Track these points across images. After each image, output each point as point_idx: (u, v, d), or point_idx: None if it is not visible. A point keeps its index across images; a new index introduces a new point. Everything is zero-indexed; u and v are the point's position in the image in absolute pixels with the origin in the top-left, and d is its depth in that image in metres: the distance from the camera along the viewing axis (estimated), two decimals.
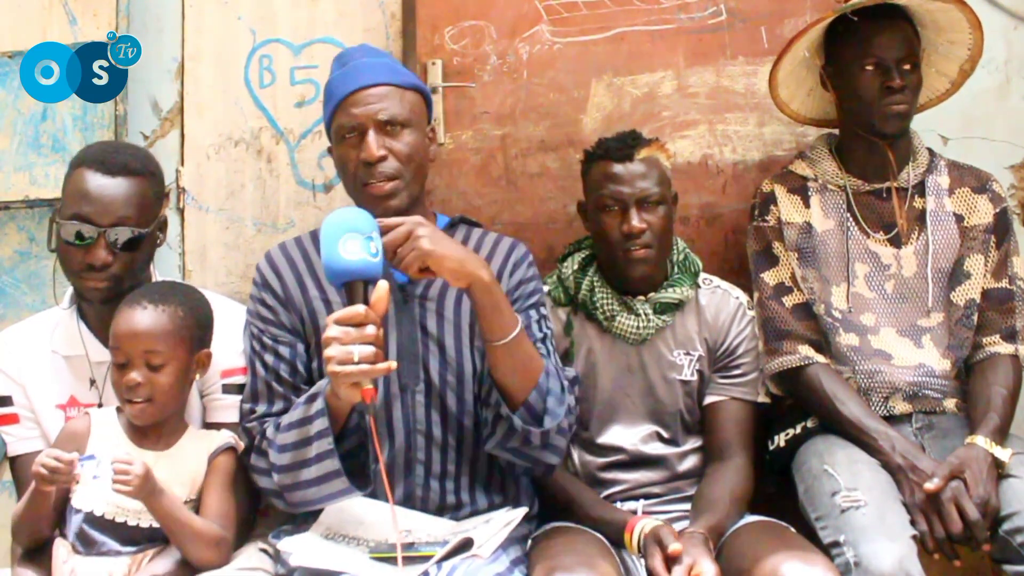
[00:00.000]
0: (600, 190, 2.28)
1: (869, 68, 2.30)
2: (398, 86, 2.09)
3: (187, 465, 2.01)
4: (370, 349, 1.75)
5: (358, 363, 1.74)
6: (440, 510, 2.06)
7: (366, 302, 1.78)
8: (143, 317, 1.97)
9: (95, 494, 1.94)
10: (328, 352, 1.76)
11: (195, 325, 2.03)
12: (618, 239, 2.25)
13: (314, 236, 2.19)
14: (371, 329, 1.76)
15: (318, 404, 1.89)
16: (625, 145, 2.28)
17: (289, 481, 1.94)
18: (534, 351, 1.99)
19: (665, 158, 2.32)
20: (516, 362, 1.95)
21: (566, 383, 2.03)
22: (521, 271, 2.17)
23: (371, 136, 2.03)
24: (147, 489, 1.87)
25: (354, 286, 1.78)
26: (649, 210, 2.25)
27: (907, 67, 2.30)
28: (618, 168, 2.26)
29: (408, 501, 2.04)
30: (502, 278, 2.13)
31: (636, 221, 2.23)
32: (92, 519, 1.94)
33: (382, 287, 1.80)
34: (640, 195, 2.24)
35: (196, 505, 2.00)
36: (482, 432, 2.07)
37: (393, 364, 1.78)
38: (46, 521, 1.95)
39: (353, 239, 1.77)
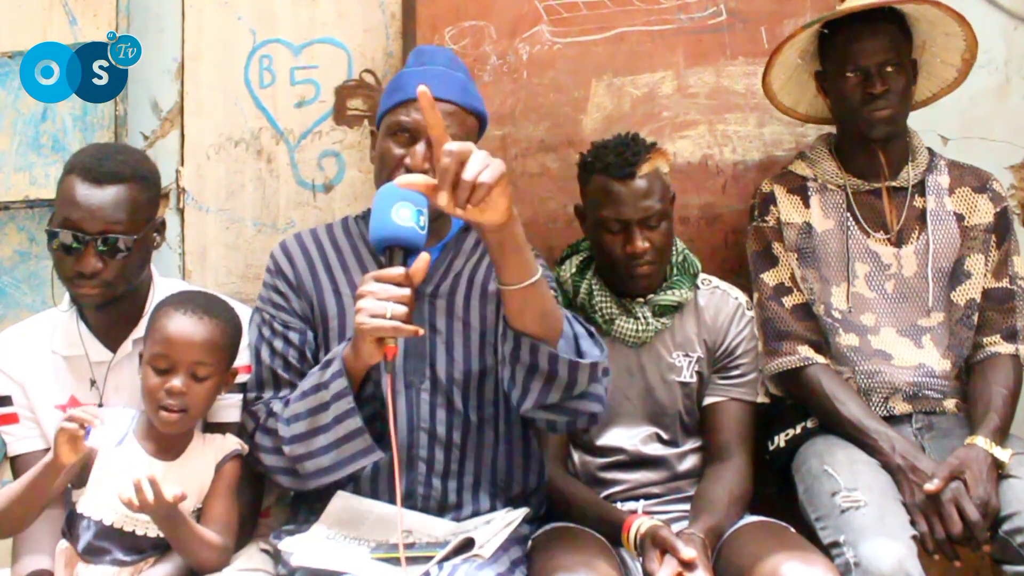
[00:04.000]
0: (600, 209, 2.23)
1: (850, 75, 2.30)
2: (464, 108, 2.10)
3: (196, 475, 2.00)
4: (403, 308, 1.78)
5: (390, 319, 1.76)
6: (441, 510, 2.07)
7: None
8: (200, 328, 1.97)
9: (104, 503, 1.93)
10: (361, 303, 1.79)
11: (235, 343, 2.05)
12: (621, 257, 2.23)
13: (329, 228, 2.22)
14: (407, 291, 1.79)
15: (335, 367, 1.90)
16: (625, 162, 2.21)
17: (303, 450, 1.95)
18: (553, 298, 1.91)
19: (665, 164, 2.28)
20: (538, 307, 1.85)
21: (591, 328, 1.97)
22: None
23: (421, 147, 2.03)
24: (162, 511, 1.86)
25: (395, 252, 1.82)
26: (652, 228, 2.22)
27: (889, 70, 2.29)
28: (619, 188, 2.21)
29: (409, 499, 2.05)
30: None
31: (640, 242, 2.21)
32: (101, 529, 1.94)
33: (424, 257, 1.82)
34: (643, 215, 2.21)
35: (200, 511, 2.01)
36: (495, 422, 2.11)
37: (421, 330, 1.80)
38: (39, 509, 1.92)
39: (406, 207, 1.81)
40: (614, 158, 2.22)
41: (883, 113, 2.30)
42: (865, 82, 2.29)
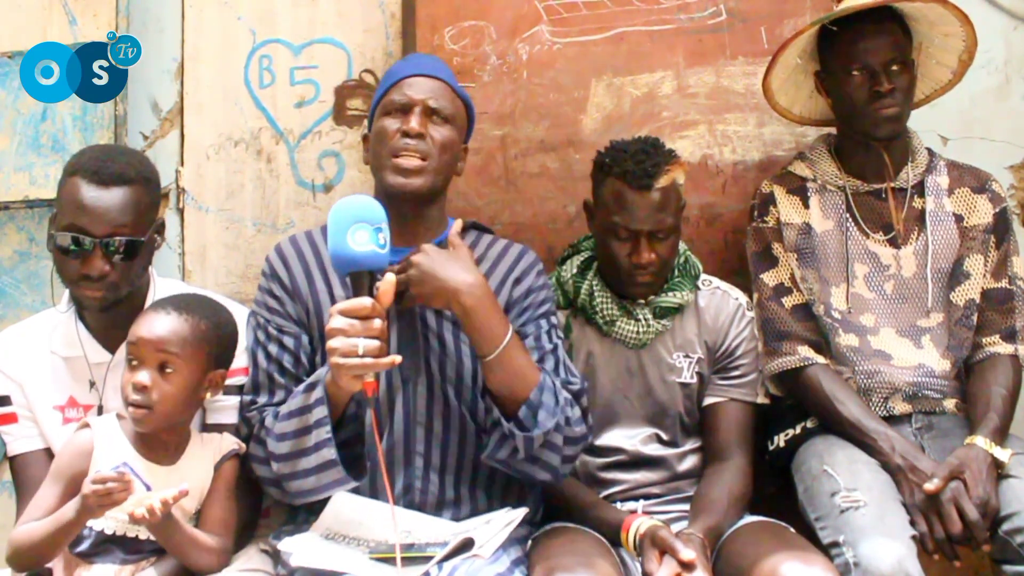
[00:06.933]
0: (612, 214, 2.21)
1: (856, 74, 2.30)
2: (453, 89, 2.14)
3: (194, 478, 1.98)
4: (375, 343, 1.77)
5: (362, 356, 1.75)
6: (439, 505, 2.07)
7: (371, 293, 1.80)
8: (164, 321, 1.95)
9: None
10: (332, 343, 1.77)
11: (216, 342, 2.01)
12: (625, 265, 2.22)
13: (324, 230, 2.20)
14: (377, 323, 1.77)
15: (317, 392, 1.89)
16: (644, 172, 2.17)
17: (288, 470, 1.95)
18: (527, 365, 1.98)
19: (682, 174, 2.25)
20: (505, 376, 1.96)
21: (566, 397, 2.02)
22: (529, 279, 2.17)
23: (417, 113, 2.07)
24: (163, 525, 1.85)
25: (360, 276, 1.80)
26: (660, 240, 2.21)
27: (895, 68, 2.29)
28: (634, 197, 2.18)
29: (407, 494, 2.05)
30: (505, 286, 2.14)
31: (646, 254, 2.19)
32: (102, 537, 1.93)
33: (390, 279, 1.81)
34: (654, 228, 2.19)
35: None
36: (482, 428, 2.09)
37: (397, 359, 1.80)
38: (64, 546, 1.90)
39: (363, 229, 1.78)
40: (633, 166, 2.19)
41: (889, 111, 2.29)
42: (871, 80, 2.28)
